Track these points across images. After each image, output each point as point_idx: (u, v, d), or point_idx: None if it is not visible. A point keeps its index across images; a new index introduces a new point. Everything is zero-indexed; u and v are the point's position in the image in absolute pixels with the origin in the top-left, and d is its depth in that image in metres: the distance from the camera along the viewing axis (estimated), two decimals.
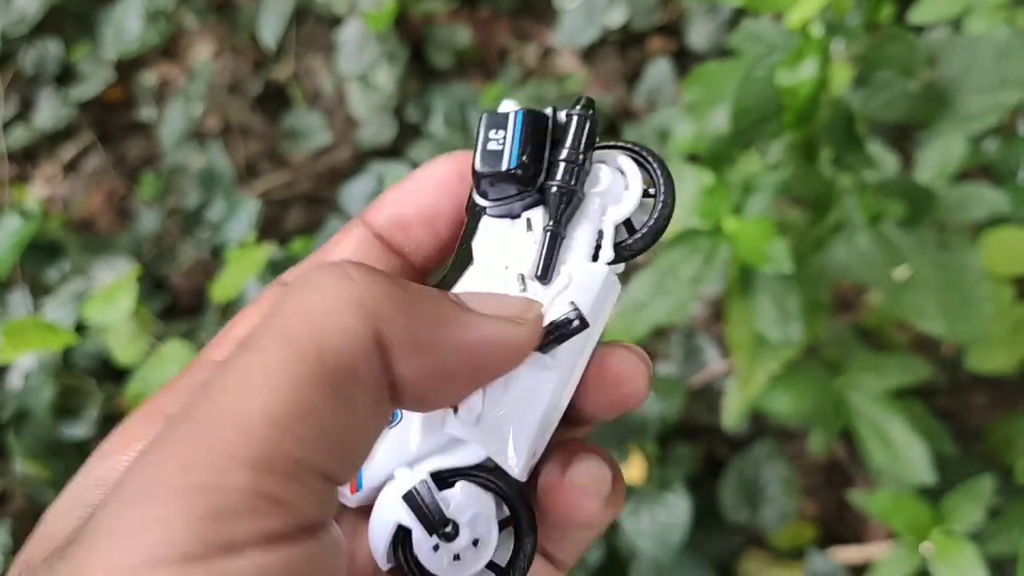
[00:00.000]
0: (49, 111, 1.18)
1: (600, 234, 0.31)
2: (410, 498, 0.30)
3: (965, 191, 0.75)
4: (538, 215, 0.31)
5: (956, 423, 0.94)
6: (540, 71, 1.23)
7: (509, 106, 0.32)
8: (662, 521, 0.82)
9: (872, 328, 0.89)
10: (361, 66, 1.12)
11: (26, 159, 1.21)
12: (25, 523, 0.91)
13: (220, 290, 0.79)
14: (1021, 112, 0.86)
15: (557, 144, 0.31)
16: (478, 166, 0.30)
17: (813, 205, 0.71)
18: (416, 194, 0.33)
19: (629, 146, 0.32)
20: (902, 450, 0.75)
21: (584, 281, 0.30)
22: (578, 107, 0.31)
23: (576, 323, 0.29)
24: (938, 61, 0.66)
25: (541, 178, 0.30)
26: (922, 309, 0.68)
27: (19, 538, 0.91)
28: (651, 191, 0.31)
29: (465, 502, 0.31)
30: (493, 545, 0.31)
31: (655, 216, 0.31)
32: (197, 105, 1.11)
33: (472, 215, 0.32)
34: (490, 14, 1.27)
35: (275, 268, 0.85)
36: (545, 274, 0.30)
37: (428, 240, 0.33)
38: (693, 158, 0.86)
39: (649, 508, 0.83)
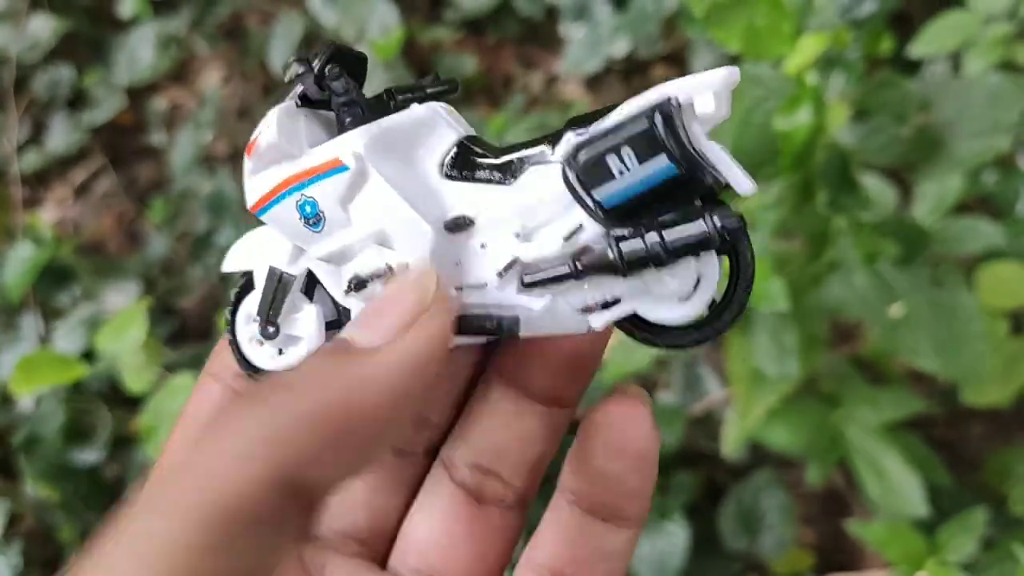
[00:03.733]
0: (61, 135, 1.20)
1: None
2: (272, 274, 0.32)
3: (962, 225, 0.77)
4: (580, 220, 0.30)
5: (953, 453, 0.95)
6: (545, 99, 1.25)
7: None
8: (661, 548, 0.84)
9: (870, 360, 0.90)
10: (368, 93, 1.14)
11: (38, 182, 1.23)
12: (35, 545, 0.93)
13: None
14: (1020, 146, 0.88)
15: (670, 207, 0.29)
16: (587, 151, 0.29)
17: (810, 242, 0.73)
18: None
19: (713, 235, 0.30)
20: (896, 483, 0.76)
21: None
22: (732, 218, 0.29)
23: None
24: (932, 104, 0.67)
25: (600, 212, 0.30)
26: (916, 346, 0.69)
27: (29, 559, 0.92)
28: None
29: (306, 321, 0.33)
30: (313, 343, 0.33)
31: (739, 292, 0.31)
32: (206, 131, 1.13)
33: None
34: (496, 42, 1.29)
35: None
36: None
37: None
38: None
39: (648, 536, 0.84)
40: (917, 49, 0.87)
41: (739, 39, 0.61)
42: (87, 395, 0.94)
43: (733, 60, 0.99)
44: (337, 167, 0.30)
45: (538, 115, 1.13)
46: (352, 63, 0.32)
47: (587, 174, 0.29)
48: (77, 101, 1.22)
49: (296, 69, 0.31)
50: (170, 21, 1.18)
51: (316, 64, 0.31)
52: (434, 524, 0.34)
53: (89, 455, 0.85)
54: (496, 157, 0.31)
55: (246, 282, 0.34)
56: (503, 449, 0.34)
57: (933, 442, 0.87)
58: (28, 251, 0.90)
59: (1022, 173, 0.86)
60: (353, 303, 0.31)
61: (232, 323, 0.34)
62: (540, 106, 1.22)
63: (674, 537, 0.83)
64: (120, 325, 0.76)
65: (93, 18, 1.21)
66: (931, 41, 0.87)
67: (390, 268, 0.30)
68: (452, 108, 0.33)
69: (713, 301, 0.31)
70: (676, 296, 0.30)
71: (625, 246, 0.29)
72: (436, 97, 0.33)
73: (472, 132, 0.32)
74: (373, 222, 0.31)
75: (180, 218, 1.13)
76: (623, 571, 0.34)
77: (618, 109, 0.29)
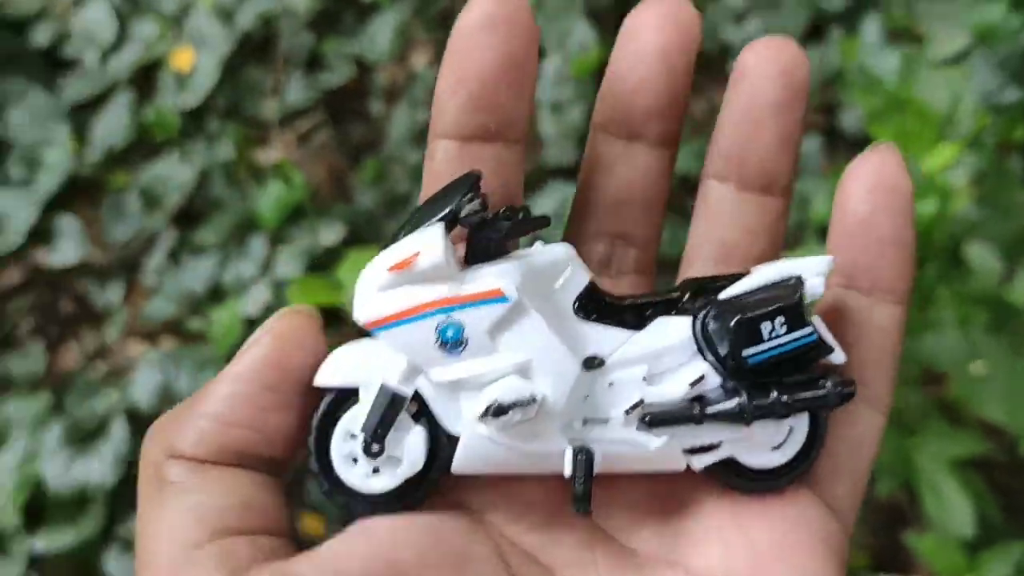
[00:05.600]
0: (298, 91, 1.42)
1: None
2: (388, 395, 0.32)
3: None
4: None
5: (1008, 497, 1.10)
6: (706, 126, 1.42)
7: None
8: None
9: (950, 403, 1.06)
10: (556, 97, 1.33)
11: (271, 127, 1.46)
12: None
13: None
14: None
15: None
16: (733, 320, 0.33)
17: (916, 299, 0.89)
18: None
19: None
20: (951, 505, 0.92)
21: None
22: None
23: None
24: None
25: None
26: (990, 401, 0.85)
27: None
28: None
29: (411, 442, 0.33)
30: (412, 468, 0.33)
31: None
32: (421, 109, 1.34)
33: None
34: None
35: None
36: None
37: None
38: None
39: None
40: None
41: (889, 136, 0.77)
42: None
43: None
44: (496, 297, 0.31)
45: (698, 142, 1.30)
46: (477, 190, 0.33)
47: (739, 334, 0.33)
48: (313, 64, 1.45)
49: (476, 207, 0.32)
50: (401, 7, 1.39)
51: (486, 211, 0.32)
52: None
53: None
54: (624, 302, 0.34)
55: (337, 397, 0.33)
56: None
57: (991, 483, 1.03)
58: (279, 190, 1.12)
59: None
60: (483, 429, 0.32)
61: (320, 439, 0.33)
62: (700, 133, 1.39)
63: None
64: (357, 260, 0.96)
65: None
66: None
67: (533, 398, 0.31)
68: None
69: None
70: (770, 445, 0.34)
71: (757, 400, 0.33)
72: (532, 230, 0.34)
73: (592, 275, 0.34)
74: (520, 353, 0.32)
75: (386, 181, 1.35)
76: (897, 350, 0.35)
77: (749, 278, 0.34)
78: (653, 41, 0.33)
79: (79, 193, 1.35)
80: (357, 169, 1.40)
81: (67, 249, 1.29)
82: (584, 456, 0.32)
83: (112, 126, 1.34)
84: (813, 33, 1.36)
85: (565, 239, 0.36)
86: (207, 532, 0.30)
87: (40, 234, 1.31)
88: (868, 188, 0.33)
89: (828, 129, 1.36)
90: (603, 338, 0.33)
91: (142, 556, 0.30)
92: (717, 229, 0.36)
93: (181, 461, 0.31)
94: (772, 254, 0.35)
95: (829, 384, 0.33)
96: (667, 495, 0.35)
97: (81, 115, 1.37)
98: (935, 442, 0.95)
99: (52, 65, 1.42)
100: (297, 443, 0.33)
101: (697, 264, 0.36)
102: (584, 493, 0.32)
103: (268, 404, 0.32)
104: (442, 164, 0.33)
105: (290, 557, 0.31)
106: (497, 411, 0.31)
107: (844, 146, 1.28)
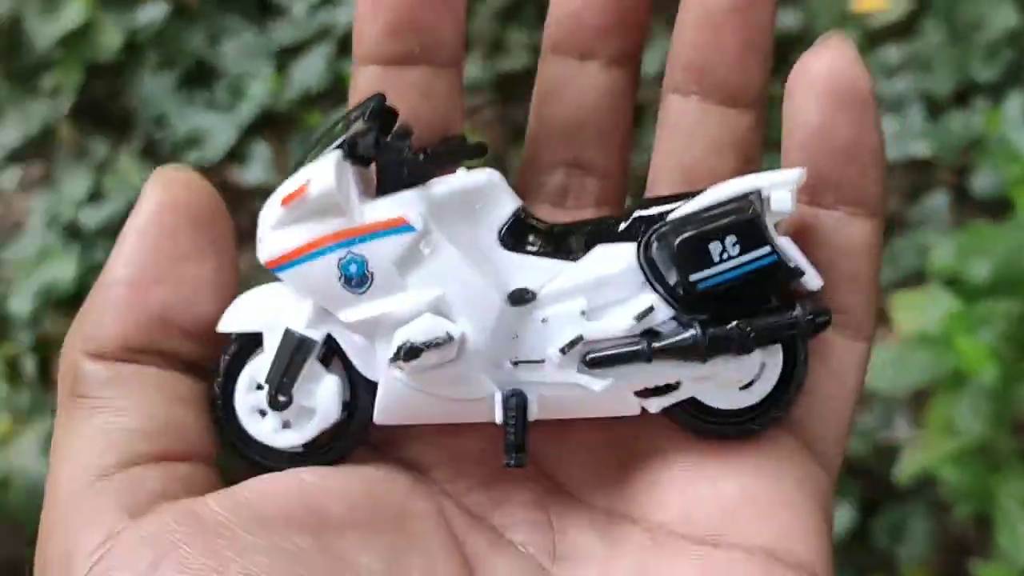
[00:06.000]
0: (476, 71, 1.56)
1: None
2: (288, 337, 0.30)
3: None
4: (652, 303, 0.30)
5: None
6: None
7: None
8: None
9: None
10: None
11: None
12: None
13: None
14: None
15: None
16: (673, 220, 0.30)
17: (1013, 350, 0.99)
18: None
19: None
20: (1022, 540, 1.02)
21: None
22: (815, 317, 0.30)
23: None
24: None
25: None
26: None
27: None
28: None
29: (324, 392, 0.30)
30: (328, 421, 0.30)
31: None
32: None
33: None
34: None
35: None
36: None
37: None
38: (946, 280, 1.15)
39: None
40: None
41: None
42: None
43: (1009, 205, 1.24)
44: (400, 226, 0.29)
45: None
46: (393, 117, 0.30)
47: (684, 257, 0.29)
48: (496, 47, 1.60)
49: (360, 126, 0.29)
50: None
51: (374, 123, 0.30)
52: None
53: None
54: (556, 230, 0.31)
55: (241, 346, 0.31)
56: None
57: None
58: None
59: None
60: (398, 373, 0.29)
61: (224, 391, 0.31)
62: None
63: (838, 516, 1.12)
64: None
65: None
66: None
67: (450, 337, 0.29)
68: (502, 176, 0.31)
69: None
70: (737, 384, 0.31)
71: (711, 331, 0.29)
72: (466, 159, 0.32)
73: (522, 203, 0.31)
74: (433, 289, 0.29)
75: None
76: (875, 268, 0.31)
77: (701, 196, 0.30)
78: None
79: (273, 124, 1.51)
80: (515, 148, 1.55)
81: (255, 171, 1.45)
82: (516, 400, 0.29)
83: (310, 72, 1.50)
84: (959, 98, 1.45)
85: (520, 172, 0.34)
86: (115, 459, 0.28)
87: (235, 155, 1.47)
88: (821, 91, 0.29)
89: (959, 188, 1.45)
90: (534, 269, 0.30)
91: (48, 485, 0.28)
92: (681, 148, 0.32)
93: (98, 362, 0.29)
94: (744, 174, 0.31)
95: (798, 311, 0.30)
96: (628, 442, 0.32)
97: (285, 56, 1.53)
98: (1017, 480, 1.04)
99: (263, 10, 1.59)
100: (218, 306, 0.31)
101: (661, 188, 0.32)
102: (517, 443, 0.29)
103: (175, 251, 0.29)
104: (364, 92, 0.31)
105: (207, 491, 0.29)
106: (409, 353, 0.29)
107: (972, 206, 1.37)
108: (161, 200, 0.29)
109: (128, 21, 1.51)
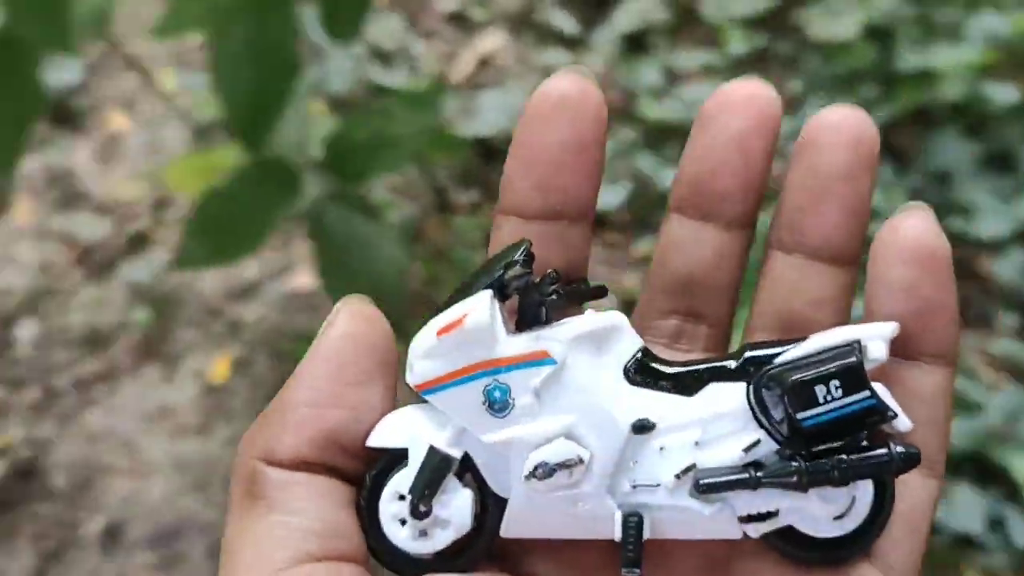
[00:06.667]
0: None
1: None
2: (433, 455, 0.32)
3: None
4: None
5: None
6: None
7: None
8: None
9: None
10: None
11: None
12: None
13: None
14: None
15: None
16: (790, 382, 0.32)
17: None
18: None
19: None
20: None
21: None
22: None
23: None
24: None
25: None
26: None
27: None
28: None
29: (459, 505, 0.33)
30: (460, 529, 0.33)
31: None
32: None
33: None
34: None
35: None
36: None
37: None
38: None
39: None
40: None
41: None
42: None
43: None
44: (543, 359, 0.32)
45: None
46: (531, 259, 0.33)
47: (794, 397, 0.32)
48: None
49: (517, 271, 0.32)
50: None
51: (532, 274, 0.32)
52: None
53: None
54: (674, 368, 0.34)
55: (388, 461, 0.33)
56: None
57: None
58: None
59: None
60: (530, 490, 0.32)
61: (370, 499, 0.33)
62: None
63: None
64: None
65: None
66: None
67: (581, 460, 0.32)
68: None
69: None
70: (831, 515, 0.33)
71: (813, 464, 0.32)
72: (588, 299, 0.35)
73: (643, 342, 0.34)
74: (567, 416, 0.32)
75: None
76: (948, 412, 0.34)
77: (807, 343, 0.33)
78: (731, 125, 0.33)
79: None
80: None
81: None
82: (634, 520, 0.32)
83: None
84: None
85: (639, 314, 0.37)
86: (290, 554, 0.30)
87: None
88: (908, 257, 0.32)
89: None
90: (654, 403, 0.33)
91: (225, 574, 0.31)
92: (781, 300, 0.35)
93: (275, 469, 0.32)
94: (837, 324, 0.34)
95: (891, 449, 0.32)
96: (723, 562, 0.34)
97: None
98: None
99: None
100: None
101: (759, 333, 0.35)
102: (634, 558, 0.32)
103: (352, 378, 0.32)
104: (507, 238, 0.34)
105: None
106: (543, 472, 0.31)
107: None
108: (346, 332, 0.33)
109: None
